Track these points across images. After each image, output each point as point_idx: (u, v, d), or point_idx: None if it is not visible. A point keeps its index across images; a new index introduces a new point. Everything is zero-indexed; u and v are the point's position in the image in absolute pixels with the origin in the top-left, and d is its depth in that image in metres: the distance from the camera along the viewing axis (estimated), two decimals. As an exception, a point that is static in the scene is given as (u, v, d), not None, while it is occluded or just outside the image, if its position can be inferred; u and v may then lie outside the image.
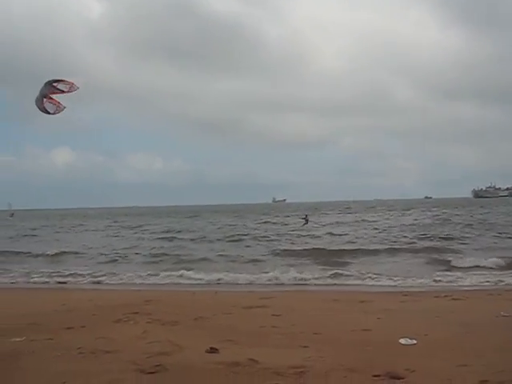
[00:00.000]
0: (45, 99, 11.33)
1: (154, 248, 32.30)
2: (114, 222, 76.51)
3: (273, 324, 9.80)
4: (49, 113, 11.41)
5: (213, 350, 7.66)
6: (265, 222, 60.24)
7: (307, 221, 55.45)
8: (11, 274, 22.24)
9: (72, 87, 11.62)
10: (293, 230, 44.73)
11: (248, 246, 32.73)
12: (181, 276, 20.56)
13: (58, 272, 22.33)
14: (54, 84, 11.41)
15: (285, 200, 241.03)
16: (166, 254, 28.90)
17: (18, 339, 8.62)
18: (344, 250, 28.21)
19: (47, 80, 11.47)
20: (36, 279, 21.01)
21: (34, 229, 60.91)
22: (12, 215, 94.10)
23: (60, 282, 20.06)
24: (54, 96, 11.58)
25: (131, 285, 19.29)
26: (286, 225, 54.59)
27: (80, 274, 21.63)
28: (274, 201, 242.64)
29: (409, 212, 79.34)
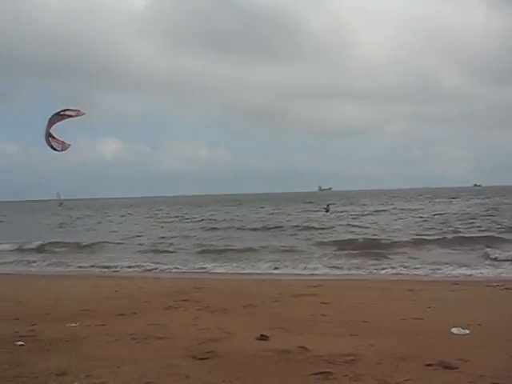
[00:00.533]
0: (51, 138, 12.01)
1: (197, 238, 32.49)
2: (159, 210, 77.56)
3: (322, 312, 9.80)
4: (56, 150, 12.06)
5: (263, 338, 7.72)
6: (304, 211, 59.53)
7: (328, 210, 56.40)
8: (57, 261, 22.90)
9: (79, 112, 12.22)
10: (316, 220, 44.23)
11: (293, 235, 32.63)
12: (226, 265, 20.66)
13: (108, 261, 22.81)
14: (62, 113, 12.03)
15: (330, 188, 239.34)
16: (212, 244, 29.10)
17: (73, 325, 8.87)
18: (388, 239, 27.85)
19: (54, 112, 12.08)
20: (89, 268, 21.45)
21: (79, 218, 62.40)
22: (61, 204, 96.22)
23: (114, 271, 20.44)
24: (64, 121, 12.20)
25: (180, 273, 19.53)
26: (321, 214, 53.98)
27: (129, 263, 22.01)
28: (320, 189, 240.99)
29: (456, 200, 77.97)
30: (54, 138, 12.40)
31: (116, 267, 21.14)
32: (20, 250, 28.15)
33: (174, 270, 20.19)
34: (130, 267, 21.00)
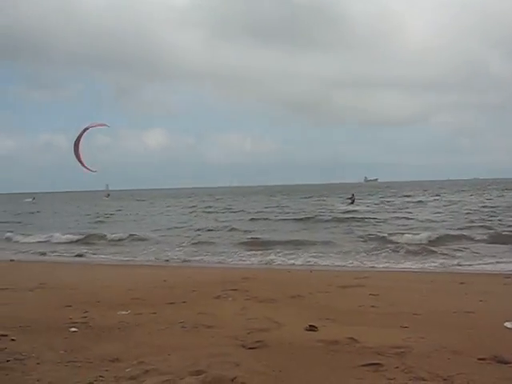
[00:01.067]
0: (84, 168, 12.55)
1: (241, 228, 32.56)
2: (203, 200, 78.17)
3: (371, 303, 9.74)
4: (83, 165, 12.58)
5: (312, 328, 7.71)
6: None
7: (353, 201, 56.23)
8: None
9: (103, 124, 12.76)
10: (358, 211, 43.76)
11: (335, 227, 32.32)
12: (273, 256, 20.69)
13: (155, 251, 23.15)
14: (87, 127, 12.58)
15: (377, 179, 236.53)
16: (256, 235, 29.19)
17: (124, 312, 9.04)
18: (435, 231, 27.35)
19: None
20: (136, 258, 21.78)
21: (122, 209, 63.28)
22: (108, 195, 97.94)
23: (163, 260, 20.71)
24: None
25: (226, 263, 19.66)
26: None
27: (176, 253, 22.28)
28: (366, 180, 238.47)
29: (507, 192, 76.07)
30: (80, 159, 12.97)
31: (164, 257, 21.39)
32: (70, 240, 28.78)
33: (220, 261, 20.29)
34: (175, 257, 21.19)
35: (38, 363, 6.18)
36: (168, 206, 66.38)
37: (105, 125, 12.98)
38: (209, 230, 32.23)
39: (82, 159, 12.95)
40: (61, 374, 5.76)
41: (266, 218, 40.41)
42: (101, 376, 5.63)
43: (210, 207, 61.34)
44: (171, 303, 9.88)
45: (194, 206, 63.91)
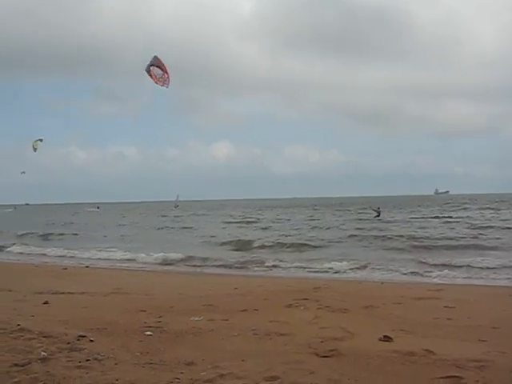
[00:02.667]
0: (151, 67, 12.18)
1: (309, 239, 32.40)
2: (269, 210, 78.06)
3: (447, 316, 9.47)
4: (156, 82, 12.22)
5: (386, 339, 7.57)
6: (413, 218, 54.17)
7: (379, 213, 54.72)
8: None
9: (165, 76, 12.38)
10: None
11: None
12: (337, 266, 20.54)
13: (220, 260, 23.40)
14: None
15: (447, 192, 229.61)
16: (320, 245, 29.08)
17: (196, 318, 9.15)
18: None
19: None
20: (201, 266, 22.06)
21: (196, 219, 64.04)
22: (176, 206, 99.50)
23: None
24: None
25: (296, 272, 19.62)
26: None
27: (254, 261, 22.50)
28: (436, 192, 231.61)
29: None
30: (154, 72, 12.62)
31: (230, 266, 21.59)
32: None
33: (289, 270, 20.28)
34: (242, 267, 21.31)
35: (116, 363, 6.32)
36: (245, 217, 66.45)
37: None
38: (276, 239, 32.23)
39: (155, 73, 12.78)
40: (138, 374, 5.87)
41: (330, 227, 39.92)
42: (177, 378, 5.70)
43: (280, 219, 61.07)
44: (243, 310, 9.93)
45: (262, 217, 63.74)
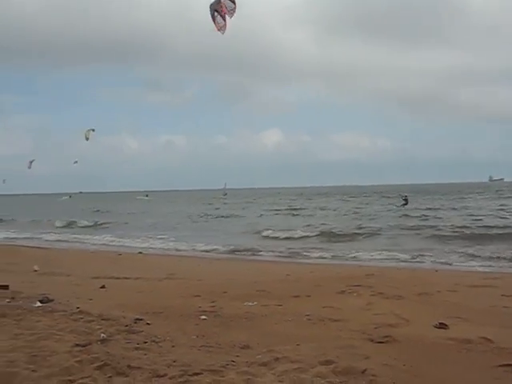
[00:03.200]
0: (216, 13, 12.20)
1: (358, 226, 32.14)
2: (318, 198, 77.53)
3: (504, 304, 9.29)
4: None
5: (442, 326, 7.48)
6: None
7: (406, 202, 53.50)
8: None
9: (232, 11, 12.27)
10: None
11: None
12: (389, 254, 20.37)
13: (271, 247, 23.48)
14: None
15: (502, 179, 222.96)
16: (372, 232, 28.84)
17: (250, 304, 9.24)
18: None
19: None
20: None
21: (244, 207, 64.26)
22: (225, 194, 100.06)
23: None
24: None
25: (345, 259, 19.54)
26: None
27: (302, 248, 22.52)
28: (491, 179, 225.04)
29: None
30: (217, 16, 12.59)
31: (280, 254, 21.64)
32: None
33: (339, 257, 20.20)
34: (292, 255, 21.32)
35: (172, 346, 6.46)
36: (298, 204, 66.32)
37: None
38: (327, 227, 32.13)
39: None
40: (195, 356, 5.98)
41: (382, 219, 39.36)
42: (233, 361, 5.78)
43: (331, 206, 60.69)
44: (296, 296, 9.97)
45: (315, 205, 63.42)
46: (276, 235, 29.53)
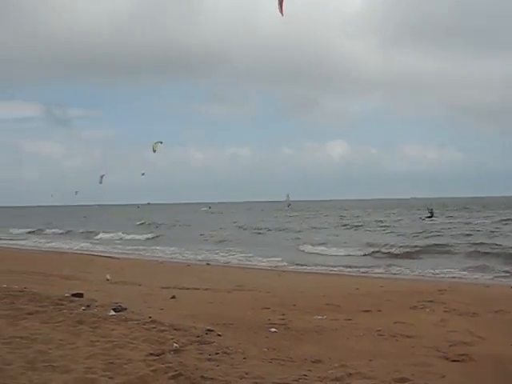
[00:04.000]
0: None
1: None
2: (393, 213, 76.04)
3: None
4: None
5: (521, 345, 7.21)
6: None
7: (432, 214, 53.78)
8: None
9: None
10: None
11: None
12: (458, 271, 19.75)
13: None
14: None
15: None
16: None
17: (319, 317, 9.18)
18: None
19: None
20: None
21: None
22: (289, 205, 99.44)
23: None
24: None
25: (416, 274, 19.09)
26: None
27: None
28: None
29: None
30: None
31: (348, 267, 21.37)
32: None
33: (410, 273, 19.76)
34: (361, 269, 21.01)
35: (244, 358, 6.48)
36: (356, 217, 65.49)
37: None
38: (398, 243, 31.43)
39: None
40: (266, 369, 5.98)
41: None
42: (305, 375, 5.75)
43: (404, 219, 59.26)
44: (366, 311, 9.84)
45: (384, 218, 62.21)
46: (339, 249, 29.17)
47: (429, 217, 53.20)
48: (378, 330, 8.10)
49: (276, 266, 21.64)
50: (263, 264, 23.16)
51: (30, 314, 8.74)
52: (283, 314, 9.33)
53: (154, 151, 32.65)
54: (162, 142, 33.59)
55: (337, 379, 5.60)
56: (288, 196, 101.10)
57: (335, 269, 20.88)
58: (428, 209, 57.09)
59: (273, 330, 8.14)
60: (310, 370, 5.98)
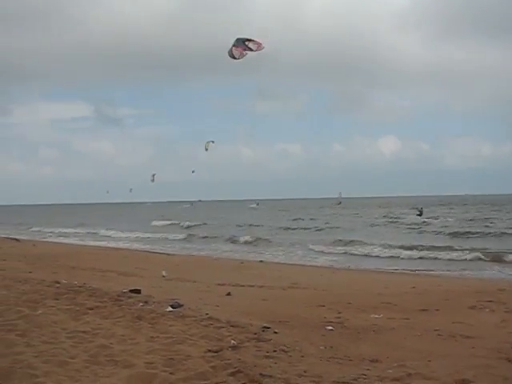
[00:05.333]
0: (233, 47, 12.86)
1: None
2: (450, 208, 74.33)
3: None
4: (235, 58, 12.97)
5: None
6: None
7: (421, 213, 56.08)
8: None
9: (259, 47, 12.79)
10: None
11: None
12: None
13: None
14: (246, 42, 12.77)
15: None
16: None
17: (376, 316, 9.08)
18: None
19: (239, 37, 12.79)
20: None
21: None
22: (339, 203, 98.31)
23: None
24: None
25: (474, 273, 18.66)
26: None
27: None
28: None
29: None
30: (236, 47, 13.50)
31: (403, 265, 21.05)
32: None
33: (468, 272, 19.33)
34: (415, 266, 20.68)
35: (301, 356, 6.48)
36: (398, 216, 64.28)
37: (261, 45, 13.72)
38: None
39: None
40: (325, 368, 5.97)
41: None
42: (363, 374, 5.71)
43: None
44: (424, 310, 9.69)
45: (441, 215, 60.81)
46: (392, 248, 28.72)
47: (418, 215, 56.22)
48: (437, 330, 7.97)
49: (330, 265, 21.48)
50: (316, 262, 23.07)
51: (90, 309, 8.99)
52: (339, 312, 9.29)
53: (206, 150, 33.12)
54: (213, 141, 34.02)
55: (396, 379, 5.53)
56: (340, 194, 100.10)
57: (390, 267, 20.61)
58: (418, 208, 59.88)
59: (329, 328, 8.11)
60: (368, 370, 5.94)
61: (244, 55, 13.56)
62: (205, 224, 53.54)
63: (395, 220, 54.86)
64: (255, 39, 13.60)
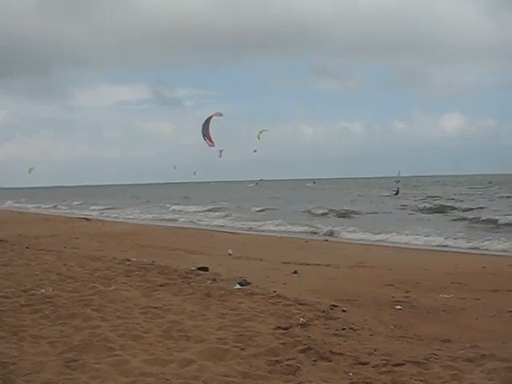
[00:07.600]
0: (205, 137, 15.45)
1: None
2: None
3: None
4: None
5: None
6: None
7: (397, 192, 60.18)
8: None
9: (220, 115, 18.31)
10: None
11: None
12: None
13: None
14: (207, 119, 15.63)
15: None
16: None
17: (446, 296, 8.91)
18: None
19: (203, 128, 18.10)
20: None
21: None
22: (398, 181, 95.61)
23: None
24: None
25: None
26: None
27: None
28: None
29: None
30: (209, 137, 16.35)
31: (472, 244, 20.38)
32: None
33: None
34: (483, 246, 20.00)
35: (371, 334, 6.48)
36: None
37: (220, 114, 16.16)
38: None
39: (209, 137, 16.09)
40: (395, 347, 5.94)
41: None
42: (435, 354, 5.65)
43: None
44: (495, 290, 9.42)
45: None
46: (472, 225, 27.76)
47: (395, 193, 59.83)
48: (510, 311, 7.76)
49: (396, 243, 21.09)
50: (380, 241, 22.63)
51: (160, 285, 9.25)
52: (407, 292, 9.18)
53: (259, 139, 33.38)
54: (266, 130, 34.21)
55: (469, 360, 5.44)
56: (399, 173, 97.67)
57: (459, 248, 20.09)
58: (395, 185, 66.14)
59: (398, 307, 8.04)
60: (439, 349, 5.87)
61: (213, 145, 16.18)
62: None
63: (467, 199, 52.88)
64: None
